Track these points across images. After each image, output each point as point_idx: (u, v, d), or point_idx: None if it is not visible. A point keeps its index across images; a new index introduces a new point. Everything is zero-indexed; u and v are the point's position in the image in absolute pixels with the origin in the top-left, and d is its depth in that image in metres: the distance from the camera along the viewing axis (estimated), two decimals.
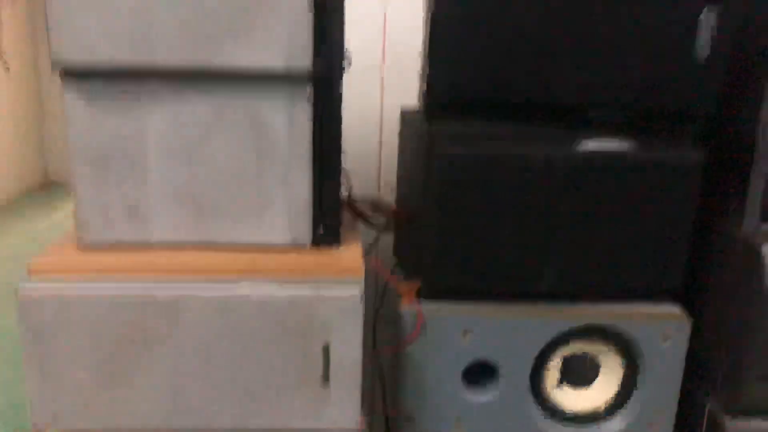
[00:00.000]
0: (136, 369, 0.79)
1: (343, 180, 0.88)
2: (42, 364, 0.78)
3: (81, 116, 0.78)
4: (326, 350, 0.81)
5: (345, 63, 0.85)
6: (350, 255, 0.87)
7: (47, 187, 4.25)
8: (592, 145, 0.89)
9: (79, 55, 0.76)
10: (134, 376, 0.80)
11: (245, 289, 0.80)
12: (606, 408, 0.99)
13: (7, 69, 3.70)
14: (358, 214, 1.03)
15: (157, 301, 0.78)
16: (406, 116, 1.10)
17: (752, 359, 0.93)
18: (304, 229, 0.86)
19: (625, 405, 0.98)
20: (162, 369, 0.80)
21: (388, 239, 1.11)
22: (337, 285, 0.81)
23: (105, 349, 0.78)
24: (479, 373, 0.96)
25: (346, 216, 0.97)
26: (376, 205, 1.07)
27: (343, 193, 0.92)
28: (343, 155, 0.86)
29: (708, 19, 0.84)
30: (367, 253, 0.91)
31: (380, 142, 1.34)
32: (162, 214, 0.83)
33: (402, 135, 1.13)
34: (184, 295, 0.78)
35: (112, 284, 0.78)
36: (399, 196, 1.15)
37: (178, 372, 0.80)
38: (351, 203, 1.02)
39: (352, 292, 0.80)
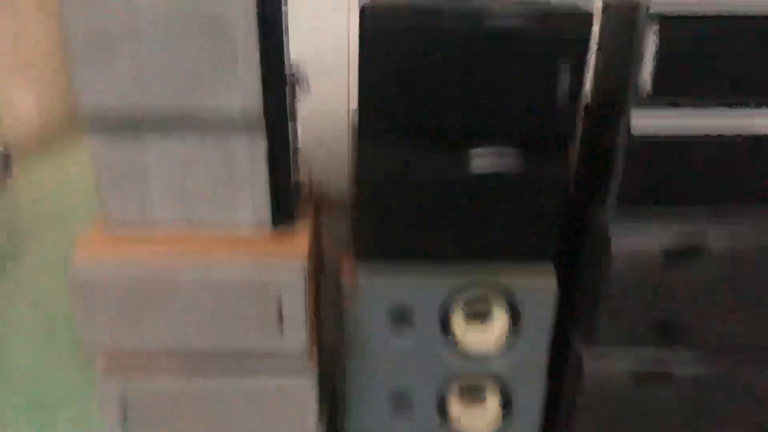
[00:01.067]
0: (147, 315, 1.17)
1: (305, 179, 1.21)
2: (85, 309, 1.16)
3: (99, 149, 1.14)
4: (279, 300, 1.17)
5: (302, 88, 1.19)
6: (300, 234, 1.22)
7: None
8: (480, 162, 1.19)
9: (94, 109, 1.11)
10: (147, 319, 1.17)
11: (222, 258, 1.16)
12: (498, 346, 1.32)
13: None
14: (317, 205, 1.38)
15: (161, 272, 1.15)
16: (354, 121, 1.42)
17: (604, 305, 1.24)
18: (264, 216, 1.21)
19: (512, 343, 1.32)
20: (165, 315, 1.17)
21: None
22: (286, 257, 1.16)
23: (126, 302, 1.16)
24: (400, 320, 1.31)
25: (312, 206, 1.33)
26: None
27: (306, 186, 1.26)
28: (300, 162, 1.19)
29: (563, 69, 1.11)
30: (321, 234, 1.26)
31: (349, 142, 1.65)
32: (163, 209, 1.19)
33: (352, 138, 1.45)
34: (180, 267, 1.15)
35: (131, 260, 1.15)
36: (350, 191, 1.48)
37: (177, 316, 1.17)
38: (314, 195, 1.37)
39: (298, 262, 1.15)
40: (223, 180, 1.18)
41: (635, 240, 1.18)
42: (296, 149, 1.28)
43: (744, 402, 1.26)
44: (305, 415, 1.25)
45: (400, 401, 1.38)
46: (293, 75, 1.23)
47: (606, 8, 1.26)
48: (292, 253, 1.17)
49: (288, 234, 1.22)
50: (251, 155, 1.16)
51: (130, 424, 1.24)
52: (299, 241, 1.20)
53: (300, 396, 1.24)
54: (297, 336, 1.20)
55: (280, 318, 1.18)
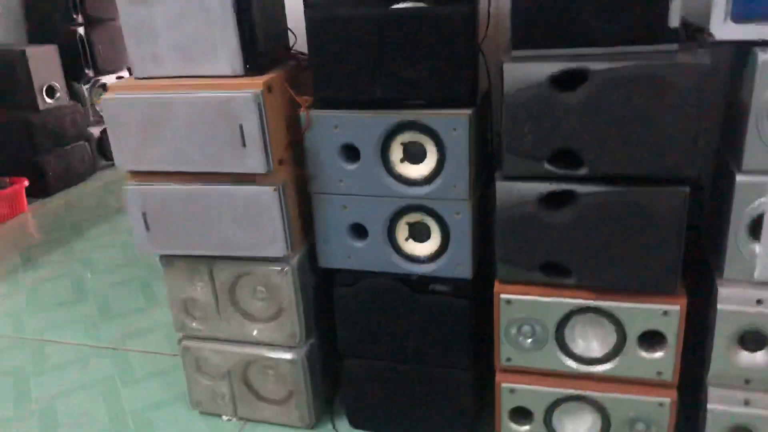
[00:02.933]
0: (154, 138, 1.58)
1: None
2: (114, 132, 1.60)
3: (127, 15, 1.57)
4: (241, 127, 1.52)
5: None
6: (263, 79, 1.55)
7: None
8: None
9: None
10: (153, 142, 1.59)
11: (203, 94, 1.53)
12: (428, 176, 1.56)
13: None
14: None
15: (163, 102, 1.55)
16: None
17: (504, 135, 1.43)
18: (238, 65, 1.56)
19: (439, 174, 1.55)
20: (165, 139, 1.58)
21: None
22: (247, 91, 1.51)
23: (140, 125, 1.58)
24: (350, 155, 1.60)
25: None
26: None
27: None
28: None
29: None
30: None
31: None
32: (168, 59, 1.59)
33: None
34: (174, 96, 1.55)
35: (142, 92, 1.57)
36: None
37: (174, 141, 1.57)
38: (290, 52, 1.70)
39: (254, 93, 1.50)
40: (207, 38, 1.55)
41: (525, 68, 1.36)
42: (264, 15, 1.61)
43: (633, 217, 1.39)
44: (272, 217, 1.60)
45: (358, 231, 1.67)
46: None
47: None
48: (251, 86, 1.51)
49: (255, 78, 1.56)
50: (224, 20, 1.52)
51: (147, 218, 1.68)
52: (259, 82, 1.54)
53: (264, 204, 1.59)
54: (258, 157, 1.54)
55: (243, 142, 1.53)
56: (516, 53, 1.39)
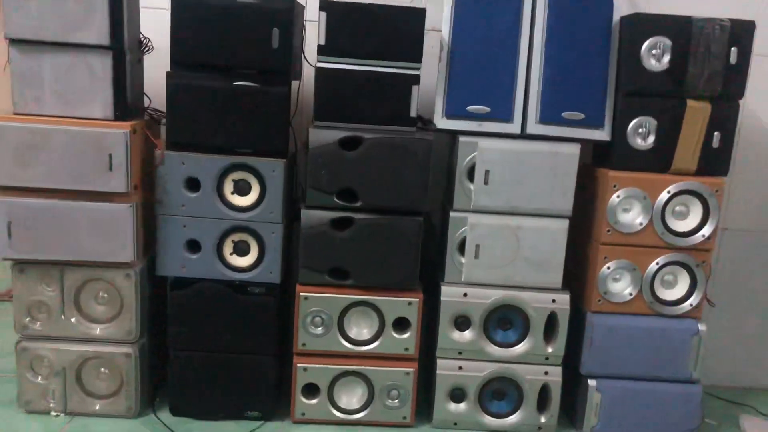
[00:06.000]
0: (30, 160, 1.98)
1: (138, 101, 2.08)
2: None
3: (17, 63, 2.00)
4: (110, 156, 2.00)
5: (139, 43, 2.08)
6: (130, 123, 2.06)
7: None
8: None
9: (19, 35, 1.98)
10: (29, 164, 1.99)
11: (82, 129, 1.99)
12: (251, 204, 2.16)
13: None
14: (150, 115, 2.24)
15: (44, 131, 1.98)
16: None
17: (308, 179, 2.11)
18: (110, 112, 2.06)
19: (261, 203, 2.16)
20: (41, 161, 1.99)
21: None
22: (119, 129, 2.00)
23: (19, 150, 1.98)
24: (192, 185, 2.14)
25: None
26: None
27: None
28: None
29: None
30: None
31: None
32: (49, 102, 2.04)
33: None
34: (55, 129, 1.98)
35: (27, 124, 1.98)
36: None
37: (50, 163, 1.99)
38: (146, 108, 2.23)
39: (125, 131, 2.00)
40: (87, 89, 2.04)
41: (322, 133, 2.07)
42: (131, 78, 2.15)
43: (389, 236, 2.13)
44: (126, 230, 2.06)
45: (193, 246, 2.19)
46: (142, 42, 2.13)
47: None
48: (121, 127, 2.02)
49: (123, 122, 2.06)
50: (104, 77, 2.03)
51: (12, 231, 2.02)
52: (127, 125, 2.04)
53: (121, 218, 2.05)
54: (121, 179, 2.02)
55: (110, 166, 2.01)
56: (317, 123, 2.10)
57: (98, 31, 1.98)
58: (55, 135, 1.99)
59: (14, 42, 1.99)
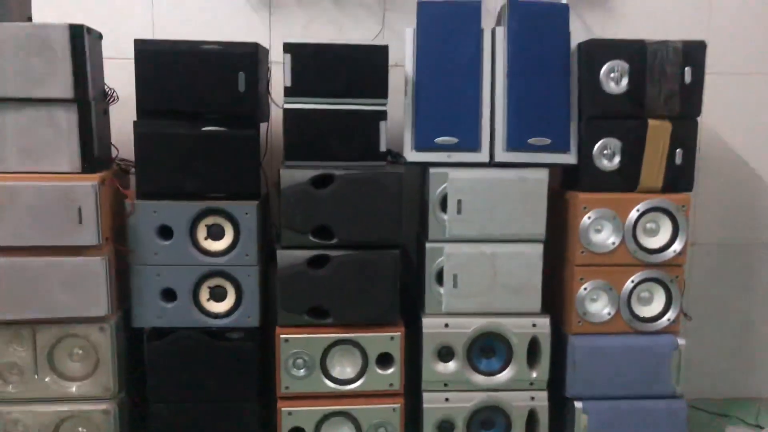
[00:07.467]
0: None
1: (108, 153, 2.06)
2: None
3: None
4: (80, 209, 1.98)
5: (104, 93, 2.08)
6: (99, 175, 2.04)
7: None
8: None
9: None
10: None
11: (49, 184, 1.96)
12: (225, 248, 2.14)
13: None
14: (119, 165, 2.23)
15: (9, 189, 1.94)
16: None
17: (281, 216, 2.10)
18: (77, 164, 2.04)
19: (235, 247, 2.14)
20: (10, 217, 1.95)
21: None
22: (87, 182, 1.98)
23: None
24: (165, 233, 2.12)
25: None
26: None
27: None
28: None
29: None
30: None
31: None
32: (12, 158, 2.01)
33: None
34: (21, 186, 1.95)
35: None
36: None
37: (17, 219, 1.95)
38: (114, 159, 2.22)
39: (93, 184, 1.98)
40: (51, 143, 2.02)
41: (294, 173, 2.07)
42: (98, 130, 2.14)
43: (366, 271, 2.12)
44: (99, 283, 2.02)
45: (168, 295, 2.15)
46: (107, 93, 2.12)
47: None
48: (89, 179, 2.00)
49: (91, 175, 2.04)
50: (69, 131, 2.01)
51: None
52: (95, 177, 2.02)
53: (93, 271, 2.01)
54: (92, 232, 2.00)
55: (80, 219, 1.98)
56: (288, 163, 2.11)
57: (62, 85, 1.97)
58: (22, 191, 1.96)
59: None
